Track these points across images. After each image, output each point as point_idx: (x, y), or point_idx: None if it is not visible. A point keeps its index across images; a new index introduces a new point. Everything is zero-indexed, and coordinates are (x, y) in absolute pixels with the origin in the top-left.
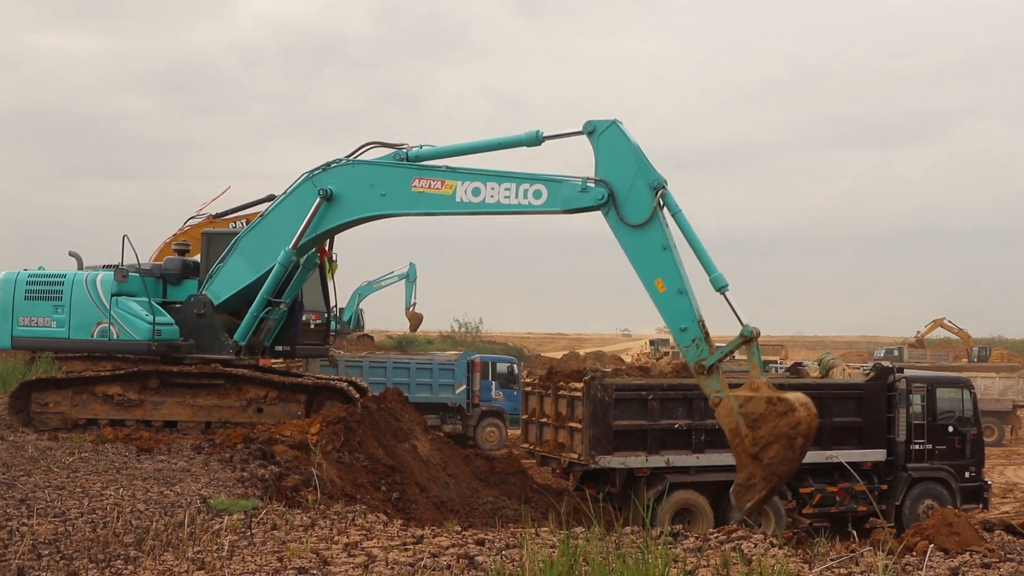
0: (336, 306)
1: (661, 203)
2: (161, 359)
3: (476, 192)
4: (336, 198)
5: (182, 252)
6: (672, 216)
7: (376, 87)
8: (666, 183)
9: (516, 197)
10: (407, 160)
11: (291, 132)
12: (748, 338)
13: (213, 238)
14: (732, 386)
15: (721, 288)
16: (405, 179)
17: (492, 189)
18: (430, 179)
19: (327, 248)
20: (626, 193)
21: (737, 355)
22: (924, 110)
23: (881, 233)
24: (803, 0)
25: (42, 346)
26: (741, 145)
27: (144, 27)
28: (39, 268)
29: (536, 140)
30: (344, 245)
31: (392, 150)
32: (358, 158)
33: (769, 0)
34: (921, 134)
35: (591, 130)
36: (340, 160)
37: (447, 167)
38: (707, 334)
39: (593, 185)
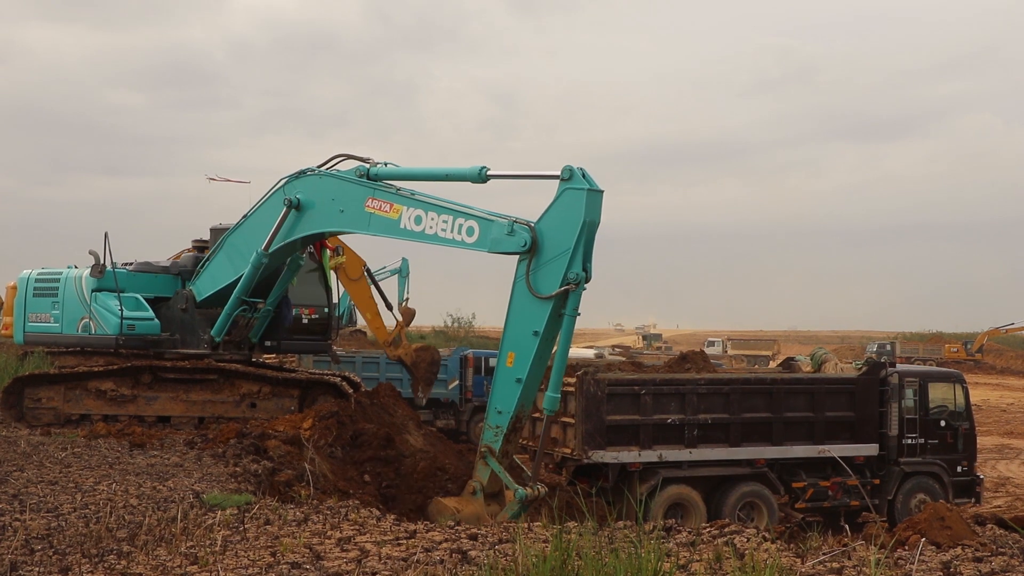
0: (337, 302)
1: (564, 297)
2: (136, 354)
3: (418, 220)
4: (303, 208)
5: (201, 249)
6: (563, 315)
7: (369, 81)
8: (583, 281)
9: (451, 231)
10: (368, 177)
11: (284, 126)
12: (521, 499)
13: (221, 234)
14: None
15: (549, 411)
16: (361, 197)
17: (432, 219)
18: (381, 200)
19: (327, 242)
20: (548, 258)
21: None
22: (917, 105)
23: (873, 227)
24: None
25: (44, 341)
26: (734, 140)
27: (136, 21)
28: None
29: (480, 178)
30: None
31: (358, 163)
32: (328, 170)
33: None
34: (914, 129)
35: (567, 176)
36: (312, 169)
37: (398, 190)
38: (511, 432)
39: (518, 230)
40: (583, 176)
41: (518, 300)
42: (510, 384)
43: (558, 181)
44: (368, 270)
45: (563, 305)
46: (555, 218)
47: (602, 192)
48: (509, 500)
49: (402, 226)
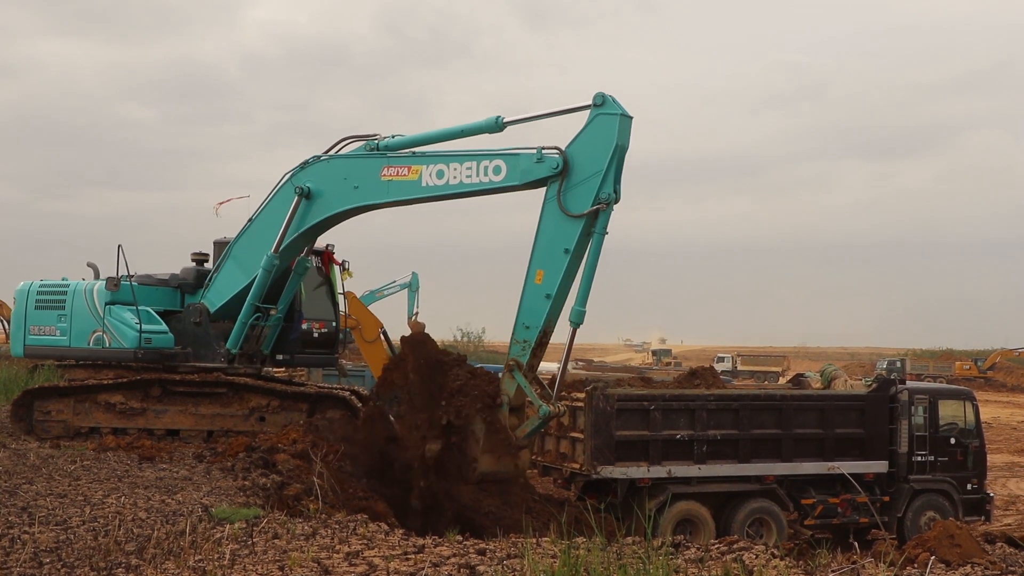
0: (347, 315)
1: (595, 216)
2: (151, 367)
3: (440, 175)
4: (314, 195)
5: (200, 262)
6: (593, 233)
7: (381, 95)
8: (614, 200)
9: (478, 175)
10: (378, 151)
11: (296, 140)
12: (545, 416)
13: (224, 247)
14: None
15: (575, 323)
16: (375, 169)
17: (455, 170)
18: (397, 166)
19: (333, 254)
20: (580, 179)
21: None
22: (928, 122)
23: (884, 244)
24: (808, 12)
25: (48, 354)
26: (744, 156)
27: (149, 36)
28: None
29: (497, 126)
30: (346, 253)
31: (365, 141)
32: (334, 154)
33: (775, 12)
34: (925, 146)
35: (600, 102)
36: (317, 157)
37: (412, 152)
38: (538, 346)
39: (547, 156)
40: (614, 102)
41: (548, 220)
42: (539, 300)
43: (586, 112)
44: (384, 332)
45: (593, 224)
46: (587, 142)
47: (631, 118)
48: (531, 415)
49: (424, 184)
